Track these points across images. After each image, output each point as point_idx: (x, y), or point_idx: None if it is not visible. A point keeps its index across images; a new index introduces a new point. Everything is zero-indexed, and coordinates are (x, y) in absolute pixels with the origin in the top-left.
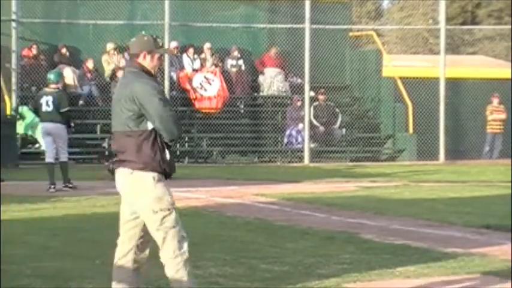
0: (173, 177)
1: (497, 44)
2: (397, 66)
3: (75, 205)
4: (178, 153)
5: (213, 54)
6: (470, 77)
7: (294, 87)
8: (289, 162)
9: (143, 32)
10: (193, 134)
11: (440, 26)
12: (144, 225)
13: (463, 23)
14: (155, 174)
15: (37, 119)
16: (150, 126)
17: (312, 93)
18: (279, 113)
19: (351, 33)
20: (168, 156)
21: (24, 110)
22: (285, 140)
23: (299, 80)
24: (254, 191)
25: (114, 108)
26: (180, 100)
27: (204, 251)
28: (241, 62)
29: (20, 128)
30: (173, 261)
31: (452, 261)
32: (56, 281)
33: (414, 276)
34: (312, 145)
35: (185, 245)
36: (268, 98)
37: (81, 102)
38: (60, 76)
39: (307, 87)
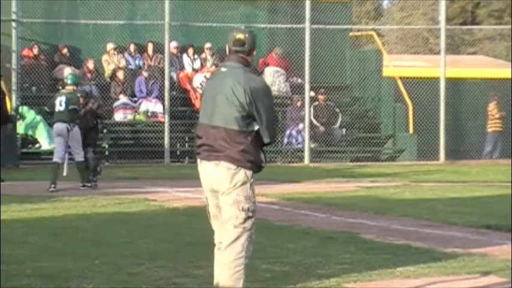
0: (173, 177)
1: (497, 44)
2: (397, 66)
3: (75, 205)
4: (178, 153)
5: (213, 54)
6: (471, 77)
7: (294, 87)
8: (289, 162)
9: (242, 27)
10: (193, 134)
11: (441, 26)
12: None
13: (463, 23)
14: (251, 173)
15: (37, 119)
16: (256, 126)
17: (312, 93)
18: (279, 113)
19: (351, 33)
20: (263, 157)
21: (24, 110)
22: (285, 140)
23: (299, 80)
24: None
25: (213, 101)
26: (181, 100)
27: (204, 251)
28: None
29: (20, 128)
30: (234, 263)
31: (452, 261)
32: (56, 281)
33: (414, 276)
34: (312, 145)
35: (249, 250)
36: None
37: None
38: (77, 79)
39: (307, 87)
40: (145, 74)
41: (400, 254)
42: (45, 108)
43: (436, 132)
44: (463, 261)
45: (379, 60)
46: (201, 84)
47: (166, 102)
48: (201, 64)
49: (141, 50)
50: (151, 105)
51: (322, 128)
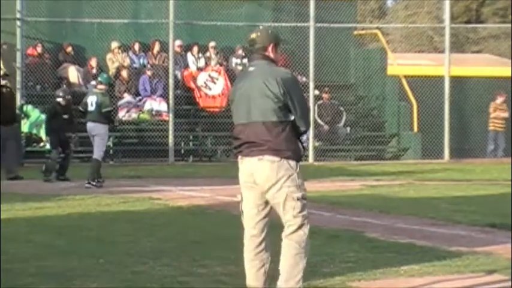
0: (177, 175)
1: (502, 43)
2: (402, 64)
3: (79, 204)
4: (182, 151)
5: (217, 53)
6: (475, 76)
7: None
8: None
9: (260, 26)
10: (197, 132)
11: (445, 25)
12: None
13: (468, 22)
14: (294, 163)
15: (42, 117)
16: (291, 117)
17: (317, 92)
18: None
19: (355, 32)
20: (302, 147)
21: (29, 108)
22: None
23: (303, 79)
24: None
25: (247, 100)
26: (185, 99)
27: (208, 249)
28: (245, 60)
29: (25, 126)
30: (303, 249)
31: (457, 259)
32: (60, 280)
33: (419, 275)
34: (317, 144)
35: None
36: None
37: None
38: (109, 79)
39: (311, 85)
40: (149, 72)
41: (404, 253)
42: (79, 107)
43: (440, 130)
44: (467, 260)
45: (384, 58)
46: (205, 82)
47: (171, 101)
48: (206, 63)
49: (146, 48)
50: (156, 104)
51: (326, 127)
